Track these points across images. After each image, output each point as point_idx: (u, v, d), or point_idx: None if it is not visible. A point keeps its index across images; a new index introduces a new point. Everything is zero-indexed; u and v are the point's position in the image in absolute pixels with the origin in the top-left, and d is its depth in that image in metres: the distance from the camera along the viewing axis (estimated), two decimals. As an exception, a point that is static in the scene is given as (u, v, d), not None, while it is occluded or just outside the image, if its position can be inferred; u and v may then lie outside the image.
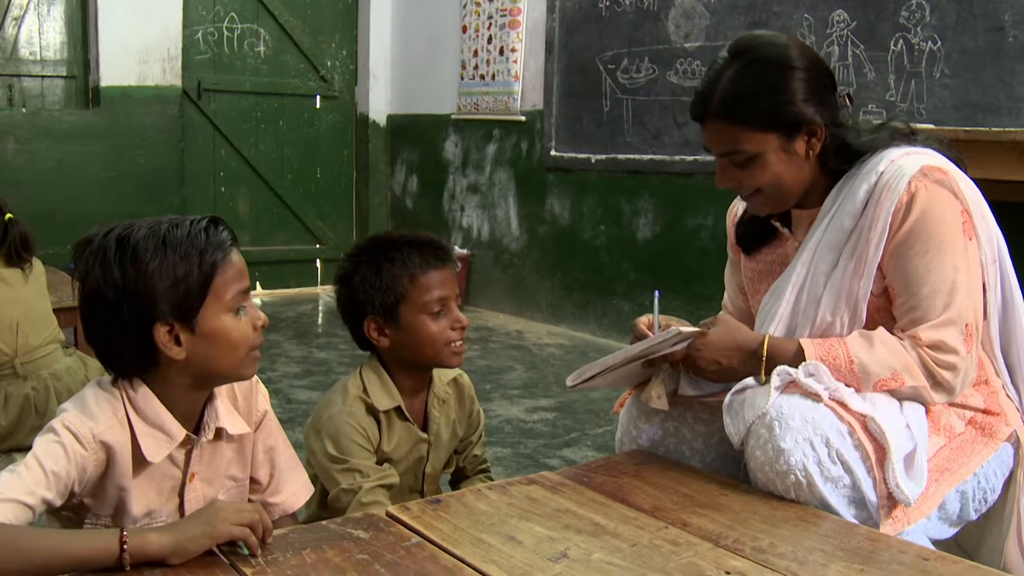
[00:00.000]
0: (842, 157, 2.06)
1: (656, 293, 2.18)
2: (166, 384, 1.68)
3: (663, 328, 2.09)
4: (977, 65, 4.22)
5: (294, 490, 1.94)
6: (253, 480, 1.89)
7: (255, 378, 1.87)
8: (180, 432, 1.69)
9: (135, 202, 6.42)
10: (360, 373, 2.22)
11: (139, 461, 1.67)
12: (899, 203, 1.95)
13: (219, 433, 1.78)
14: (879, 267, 1.99)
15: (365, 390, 2.17)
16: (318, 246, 7.68)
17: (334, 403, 2.17)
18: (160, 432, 1.68)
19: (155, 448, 1.67)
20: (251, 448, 1.86)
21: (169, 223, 1.65)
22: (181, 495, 1.75)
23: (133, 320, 1.61)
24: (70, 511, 1.69)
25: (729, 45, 2.09)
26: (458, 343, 2.18)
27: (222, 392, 1.79)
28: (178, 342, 1.63)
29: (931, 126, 3.68)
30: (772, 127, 2.00)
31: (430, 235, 2.27)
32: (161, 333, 1.62)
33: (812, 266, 2.06)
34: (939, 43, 4.34)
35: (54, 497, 1.57)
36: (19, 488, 1.53)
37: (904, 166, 1.98)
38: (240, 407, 1.84)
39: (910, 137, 2.11)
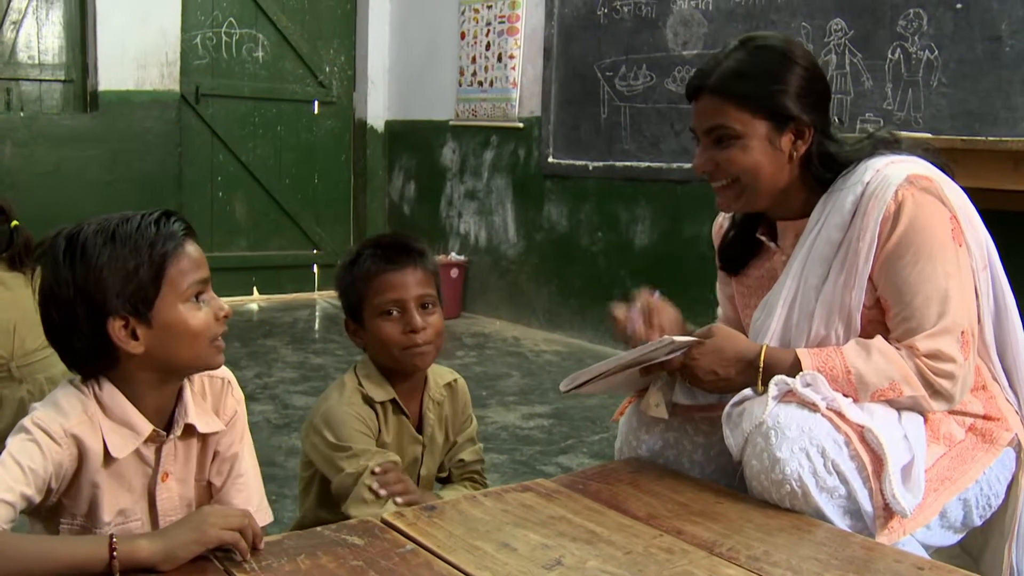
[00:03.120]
0: (825, 165, 2.06)
1: (656, 293, 2.19)
2: (130, 380, 1.67)
3: (642, 308, 2.11)
4: (974, 74, 4.22)
5: (254, 506, 1.86)
6: (209, 483, 1.84)
7: (229, 379, 1.86)
8: (146, 427, 1.68)
9: (132, 207, 6.19)
10: (355, 370, 2.23)
11: (109, 458, 1.67)
12: (886, 212, 1.95)
13: (190, 431, 1.76)
14: (870, 278, 1.98)
15: (361, 384, 2.18)
16: (315, 252, 7.67)
17: (330, 397, 2.18)
18: (125, 428, 1.67)
19: (121, 444, 1.66)
20: (213, 448, 1.83)
21: (119, 219, 1.65)
22: (152, 494, 1.74)
23: (87, 317, 1.60)
24: (46, 512, 1.68)
25: (741, 36, 2.12)
26: (417, 348, 2.15)
27: (193, 390, 1.78)
28: (135, 336, 1.62)
29: (926, 134, 3.67)
30: (762, 112, 2.01)
31: (397, 236, 2.26)
32: (116, 328, 1.61)
33: (802, 280, 2.06)
34: (936, 52, 4.35)
35: (33, 493, 1.57)
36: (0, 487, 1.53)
37: (890, 175, 1.98)
38: (208, 403, 1.82)
39: (894, 146, 2.11)
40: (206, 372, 1.79)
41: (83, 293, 1.59)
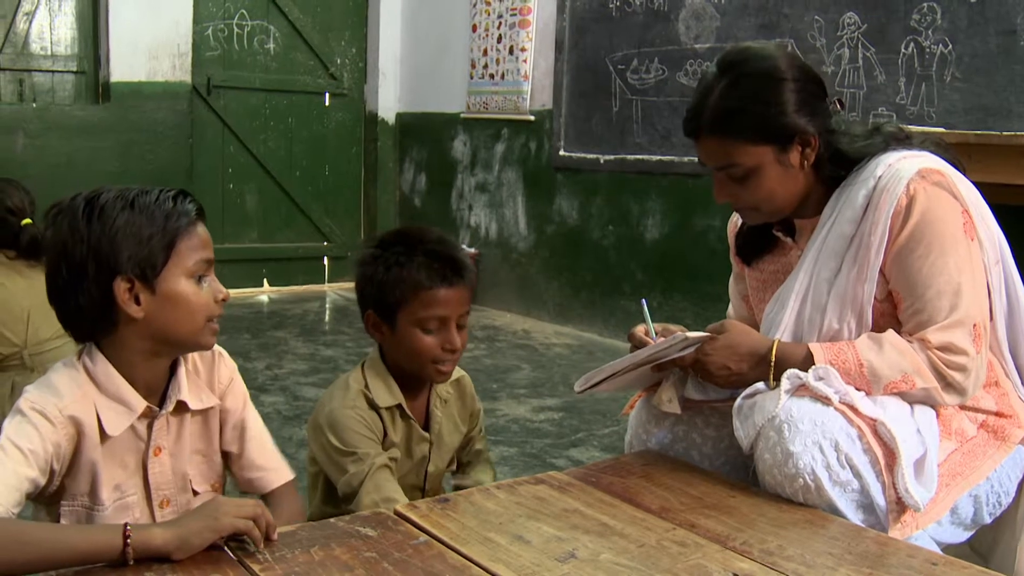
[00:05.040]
0: (837, 164, 2.06)
1: (643, 301, 2.18)
2: (124, 348, 1.70)
3: (659, 333, 2.09)
4: (988, 68, 4.20)
5: (274, 466, 1.94)
6: (225, 453, 1.90)
7: (218, 349, 1.89)
8: (140, 403, 1.72)
9: None
10: (362, 368, 2.21)
11: (105, 436, 1.70)
12: (898, 206, 1.95)
13: (182, 406, 1.80)
14: (882, 272, 1.98)
15: (367, 386, 2.16)
16: (325, 243, 7.68)
17: (335, 398, 2.15)
18: (120, 404, 1.70)
19: (115, 421, 1.70)
20: (217, 420, 1.88)
21: (138, 190, 1.71)
22: (145, 467, 1.77)
23: (95, 274, 1.64)
24: (49, 497, 1.70)
25: (717, 59, 2.09)
26: (445, 365, 2.15)
27: (186, 365, 1.81)
28: (137, 301, 1.67)
29: (940, 129, 3.67)
30: (765, 139, 2.00)
31: (451, 248, 2.18)
32: (121, 288, 1.65)
33: (814, 274, 2.06)
34: (950, 46, 4.33)
35: (38, 475, 1.60)
36: (5, 472, 1.55)
37: (901, 169, 1.98)
38: (203, 378, 1.85)
39: (905, 141, 2.10)
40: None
41: (96, 251, 1.65)
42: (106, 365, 1.70)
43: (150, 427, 1.76)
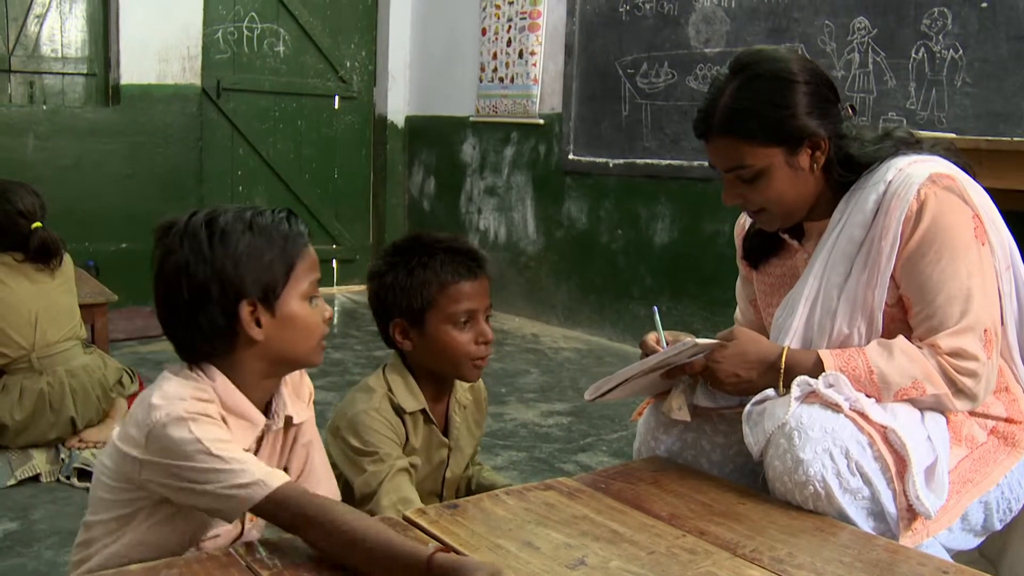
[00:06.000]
0: (847, 168, 2.06)
1: (655, 308, 2.18)
2: (239, 369, 1.70)
3: (670, 342, 2.09)
4: (999, 74, 4.19)
5: (323, 492, 1.90)
6: (285, 469, 1.88)
7: (302, 370, 1.91)
8: (260, 418, 1.73)
9: (153, 200, 6.43)
10: (384, 373, 2.21)
11: None
12: (909, 211, 1.94)
13: (288, 420, 1.82)
14: (892, 277, 1.98)
15: (390, 390, 2.16)
16: (334, 246, 7.68)
17: (358, 401, 2.15)
18: (243, 419, 1.70)
19: (241, 435, 1.69)
20: (293, 436, 1.87)
21: (253, 210, 1.72)
22: None
23: (220, 296, 1.65)
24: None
25: (730, 61, 2.09)
26: (480, 359, 2.17)
27: (285, 381, 1.83)
28: (258, 324, 1.68)
29: (950, 135, 3.66)
30: (775, 141, 2.00)
31: (468, 243, 2.24)
32: (246, 311, 1.66)
33: (824, 278, 2.05)
34: (961, 51, 4.32)
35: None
36: (254, 465, 1.57)
37: (912, 174, 1.98)
38: (294, 393, 1.87)
39: (915, 145, 2.10)
40: None
41: (221, 274, 1.65)
42: (226, 382, 1.69)
43: (259, 442, 1.77)
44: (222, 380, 1.69)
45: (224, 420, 1.65)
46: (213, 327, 1.66)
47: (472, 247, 2.23)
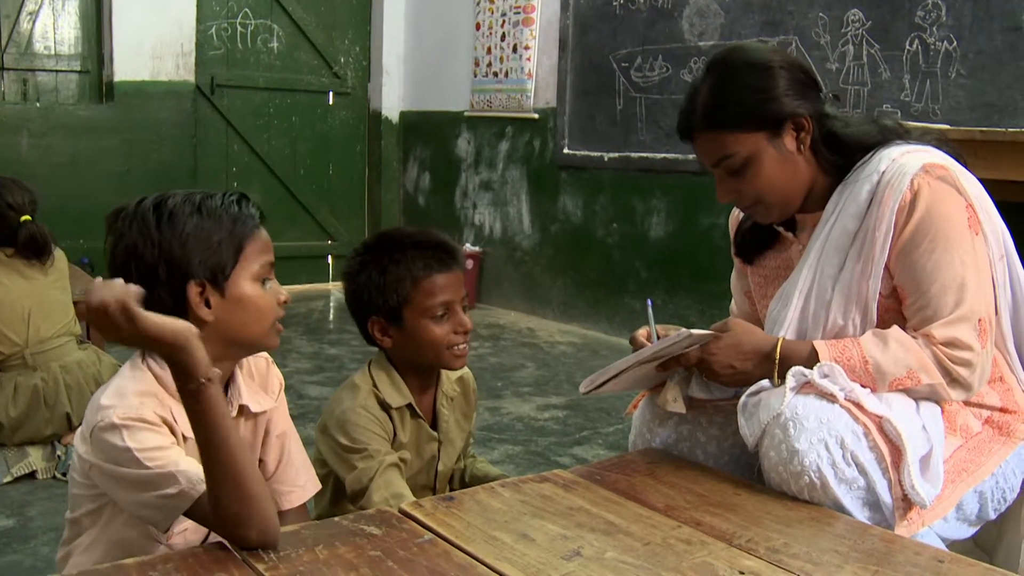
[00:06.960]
0: (833, 148, 2.06)
1: (648, 302, 2.18)
2: None
3: (661, 336, 2.09)
4: (993, 65, 4.20)
5: (302, 483, 1.96)
6: (260, 462, 1.90)
7: (269, 359, 1.92)
8: None
9: None
10: (369, 370, 2.21)
11: (179, 436, 1.69)
12: (902, 201, 1.94)
13: (242, 410, 1.82)
14: (886, 267, 1.98)
15: (376, 386, 2.17)
16: (330, 242, 7.68)
17: (344, 399, 2.16)
18: None
19: (185, 424, 1.68)
20: (263, 427, 1.89)
21: (203, 194, 1.73)
22: None
23: (168, 278, 1.66)
24: None
25: (706, 61, 2.10)
26: (461, 346, 2.18)
27: (242, 371, 1.83)
28: (208, 305, 1.69)
29: (944, 126, 3.66)
30: (757, 126, 2.01)
31: (438, 236, 2.24)
32: (193, 292, 1.67)
33: (818, 270, 2.05)
34: (955, 43, 4.32)
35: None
36: (189, 468, 1.56)
37: (905, 164, 1.97)
38: (257, 383, 1.88)
39: (905, 135, 2.10)
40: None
41: (168, 255, 1.66)
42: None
43: None
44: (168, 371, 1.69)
45: (172, 412, 1.65)
46: (163, 309, 1.62)
47: (442, 239, 2.23)
